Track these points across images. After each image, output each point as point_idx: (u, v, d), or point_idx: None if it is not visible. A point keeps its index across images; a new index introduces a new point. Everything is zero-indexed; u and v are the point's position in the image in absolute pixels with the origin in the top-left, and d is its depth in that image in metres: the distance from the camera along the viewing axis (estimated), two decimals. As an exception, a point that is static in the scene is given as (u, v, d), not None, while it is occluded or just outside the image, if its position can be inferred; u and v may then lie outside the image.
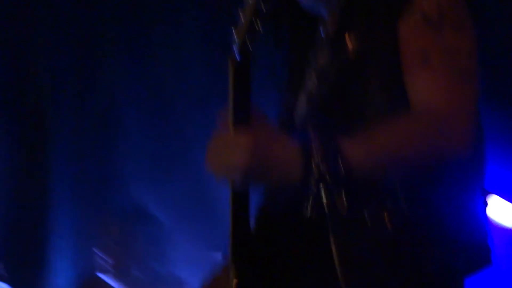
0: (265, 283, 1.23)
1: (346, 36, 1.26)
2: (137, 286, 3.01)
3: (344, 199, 1.08)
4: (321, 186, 1.07)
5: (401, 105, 1.19)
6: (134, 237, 3.02)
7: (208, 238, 2.96)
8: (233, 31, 1.15)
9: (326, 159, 1.07)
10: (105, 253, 2.99)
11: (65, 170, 3.13)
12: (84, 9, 3.13)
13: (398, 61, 1.20)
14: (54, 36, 3.12)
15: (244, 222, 1.16)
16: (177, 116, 3.15)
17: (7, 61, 3.06)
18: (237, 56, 1.14)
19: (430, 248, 1.16)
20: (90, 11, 3.15)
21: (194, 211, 3.16)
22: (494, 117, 1.85)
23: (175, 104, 3.17)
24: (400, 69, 1.20)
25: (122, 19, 3.21)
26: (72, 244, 3.15)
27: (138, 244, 3.01)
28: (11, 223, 3.06)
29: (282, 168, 1.07)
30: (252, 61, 1.15)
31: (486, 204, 1.26)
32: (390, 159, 1.13)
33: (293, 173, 1.07)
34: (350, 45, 1.25)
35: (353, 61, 1.25)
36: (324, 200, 1.08)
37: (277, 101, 1.47)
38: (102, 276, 3.00)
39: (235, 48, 1.14)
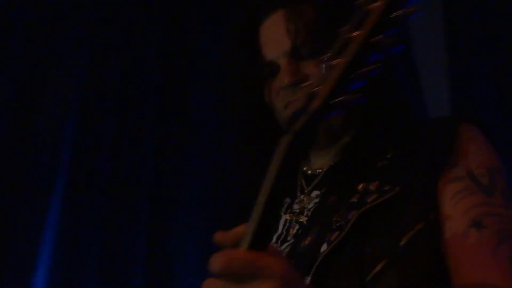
0: None
1: (362, 185, 1.12)
2: None
3: None
4: None
5: (435, 271, 1.06)
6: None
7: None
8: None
9: None
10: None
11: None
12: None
13: (433, 219, 1.08)
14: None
15: None
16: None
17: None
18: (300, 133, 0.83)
19: None
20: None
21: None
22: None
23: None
24: (434, 228, 1.08)
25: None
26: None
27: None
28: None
29: None
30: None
31: None
32: None
33: None
34: (371, 195, 1.10)
35: (371, 214, 1.08)
36: None
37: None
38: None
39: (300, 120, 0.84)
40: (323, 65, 0.84)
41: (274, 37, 1.28)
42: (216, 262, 0.78)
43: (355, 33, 0.81)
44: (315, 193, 1.25)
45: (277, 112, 1.30)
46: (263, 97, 1.33)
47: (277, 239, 1.23)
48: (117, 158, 2.89)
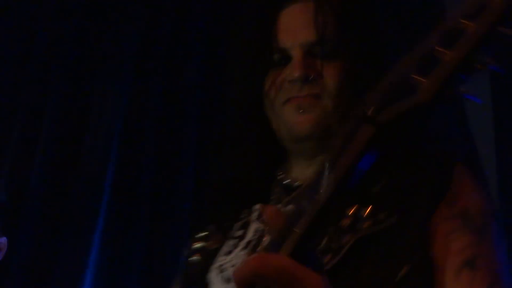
0: None
1: (353, 208, 1.04)
2: None
3: None
4: None
5: None
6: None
7: None
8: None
9: None
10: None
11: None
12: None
13: (429, 254, 1.05)
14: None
15: None
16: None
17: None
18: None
19: None
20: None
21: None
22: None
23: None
24: (430, 263, 1.04)
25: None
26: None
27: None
28: None
29: None
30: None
31: None
32: None
33: None
34: (364, 221, 1.04)
35: (366, 241, 1.03)
36: None
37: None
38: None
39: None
40: (422, 58, 0.70)
41: (296, 25, 1.19)
42: (246, 266, 0.70)
43: (472, 23, 0.67)
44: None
45: (272, 106, 1.19)
46: (261, 87, 1.21)
47: (247, 245, 1.15)
48: (157, 184, 2.89)
